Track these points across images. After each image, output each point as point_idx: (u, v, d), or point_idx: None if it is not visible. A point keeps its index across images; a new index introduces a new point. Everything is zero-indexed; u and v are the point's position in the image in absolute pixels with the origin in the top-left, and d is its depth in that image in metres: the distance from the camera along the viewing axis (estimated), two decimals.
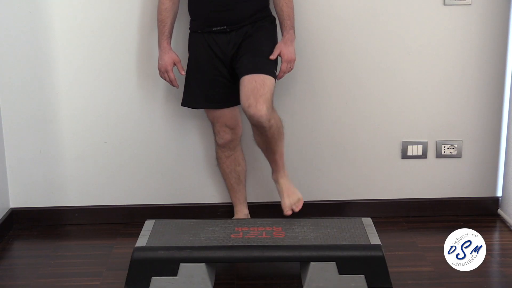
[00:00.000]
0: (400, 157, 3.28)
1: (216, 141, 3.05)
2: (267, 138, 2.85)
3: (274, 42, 2.89)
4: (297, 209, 2.95)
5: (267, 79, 2.77)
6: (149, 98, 3.19)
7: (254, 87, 2.74)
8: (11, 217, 3.26)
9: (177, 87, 2.97)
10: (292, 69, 2.88)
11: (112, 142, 3.23)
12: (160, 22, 2.92)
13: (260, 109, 2.71)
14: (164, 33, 2.92)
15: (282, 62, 2.85)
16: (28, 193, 3.27)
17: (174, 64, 2.93)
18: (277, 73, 2.85)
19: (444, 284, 2.69)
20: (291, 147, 3.20)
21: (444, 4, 3.11)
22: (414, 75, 3.19)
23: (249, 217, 3.18)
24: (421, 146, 3.26)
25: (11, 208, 3.29)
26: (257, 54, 2.82)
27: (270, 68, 2.81)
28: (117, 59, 3.14)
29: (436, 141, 3.27)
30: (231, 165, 3.08)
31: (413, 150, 3.27)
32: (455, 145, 3.27)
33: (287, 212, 2.93)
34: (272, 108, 2.79)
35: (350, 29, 3.13)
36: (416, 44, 3.16)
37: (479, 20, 3.13)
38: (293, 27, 2.89)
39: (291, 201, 2.95)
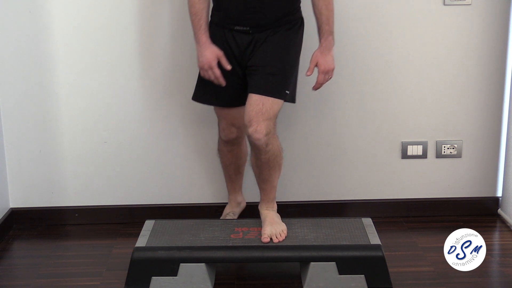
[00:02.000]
0: (400, 157, 3.28)
1: (220, 136, 2.97)
2: (261, 163, 2.74)
3: (296, 53, 2.73)
4: (278, 240, 2.71)
5: (275, 104, 2.65)
6: (149, 98, 3.18)
7: (260, 109, 2.63)
8: (11, 217, 3.26)
9: (224, 84, 2.73)
10: (330, 78, 2.73)
11: (112, 142, 3.23)
12: (194, 16, 2.69)
13: (260, 131, 2.62)
14: (201, 27, 2.69)
15: (318, 73, 2.71)
16: (28, 193, 3.27)
17: (218, 59, 2.71)
18: (287, 93, 2.68)
19: (444, 284, 2.69)
20: (291, 147, 3.20)
21: (444, 4, 3.11)
22: (414, 75, 3.19)
23: (243, 204, 3.12)
24: (421, 146, 3.26)
25: (11, 208, 3.29)
26: (273, 70, 2.65)
27: (282, 89, 2.67)
28: (117, 59, 3.14)
29: (436, 141, 3.27)
30: (232, 158, 3.00)
31: (413, 150, 3.27)
32: (455, 145, 3.27)
33: (264, 239, 2.71)
34: (274, 134, 2.70)
35: (349, 29, 3.13)
36: (416, 44, 3.16)
37: (479, 20, 3.13)
38: (332, 32, 2.69)
39: (273, 230, 2.74)
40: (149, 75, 3.15)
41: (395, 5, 3.11)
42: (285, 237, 2.74)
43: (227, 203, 3.25)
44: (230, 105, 2.85)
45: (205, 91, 2.83)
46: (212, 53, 2.69)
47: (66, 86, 3.16)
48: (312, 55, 2.73)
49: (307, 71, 2.72)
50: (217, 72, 2.69)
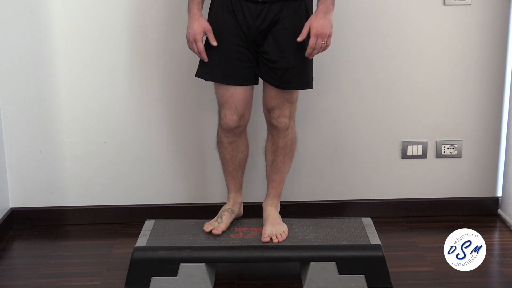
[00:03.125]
0: (400, 157, 3.28)
1: (220, 125, 2.77)
2: (278, 147, 2.75)
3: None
4: (278, 240, 2.71)
5: (295, 93, 2.70)
6: (149, 98, 3.18)
7: (282, 100, 2.67)
8: (11, 217, 3.26)
9: (206, 60, 2.65)
10: (326, 45, 2.55)
11: (112, 142, 3.23)
12: None
13: (283, 115, 2.68)
14: None
15: (310, 36, 2.53)
16: (28, 193, 3.27)
17: (205, 34, 2.62)
18: (311, 80, 2.68)
19: (444, 284, 2.69)
20: None
21: (444, 4, 3.11)
22: (414, 75, 3.19)
23: (241, 211, 2.97)
24: (421, 146, 3.27)
25: (11, 208, 3.29)
26: (291, 63, 2.60)
27: (303, 80, 2.66)
28: (117, 59, 3.14)
29: (436, 141, 3.27)
30: (233, 152, 2.82)
31: (413, 150, 3.27)
32: (455, 145, 3.27)
33: (264, 238, 2.70)
34: (294, 118, 2.74)
35: (350, 29, 3.13)
36: (416, 44, 3.16)
37: (479, 20, 3.13)
38: None
39: (274, 230, 2.73)
40: (149, 75, 3.15)
41: (395, 5, 3.11)
42: (286, 238, 2.74)
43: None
44: (237, 82, 2.67)
45: (210, 66, 2.66)
46: (199, 26, 2.60)
47: (66, 86, 3.16)
48: (306, 21, 2.58)
49: (299, 37, 2.56)
50: (201, 46, 2.61)
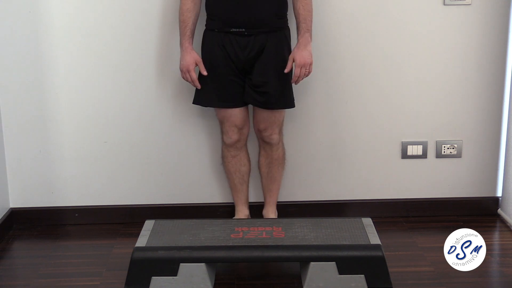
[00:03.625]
0: (400, 157, 3.28)
1: (223, 141, 3.05)
2: (272, 160, 3.04)
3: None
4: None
5: (282, 114, 3.00)
6: (149, 98, 3.18)
7: (273, 120, 2.97)
8: (11, 217, 3.26)
9: (199, 88, 2.93)
10: (309, 72, 2.87)
11: (112, 142, 3.23)
12: (181, 23, 2.90)
13: (274, 133, 2.99)
14: (186, 34, 2.90)
15: (295, 67, 2.84)
16: (28, 193, 3.27)
17: (196, 65, 2.91)
18: (292, 99, 2.95)
19: (444, 284, 2.69)
20: (291, 147, 3.20)
21: (444, 4, 3.11)
22: (414, 75, 3.19)
23: (250, 217, 3.18)
24: (421, 146, 3.27)
25: (11, 208, 3.29)
26: (277, 85, 2.88)
27: (288, 100, 2.95)
28: (117, 59, 3.14)
29: (436, 141, 3.27)
30: (236, 165, 3.09)
31: (413, 150, 3.27)
32: (455, 145, 3.27)
33: None
34: (282, 133, 3.05)
35: (349, 29, 3.13)
36: (416, 44, 3.16)
37: (479, 20, 3.13)
38: (308, 30, 2.87)
39: None
40: (149, 75, 3.15)
41: (395, 5, 3.11)
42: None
43: (227, 203, 3.26)
44: (233, 105, 2.96)
45: (206, 94, 2.95)
46: (191, 58, 2.89)
47: (66, 86, 3.16)
48: (291, 53, 2.87)
49: (286, 68, 2.85)
50: (194, 75, 2.90)
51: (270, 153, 3.05)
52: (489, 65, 3.18)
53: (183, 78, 2.94)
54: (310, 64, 2.86)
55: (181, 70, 2.91)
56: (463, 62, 3.18)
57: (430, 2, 3.11)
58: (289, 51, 2.91)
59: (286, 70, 2.85)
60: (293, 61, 2.84)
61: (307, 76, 2.88)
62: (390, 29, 3.14)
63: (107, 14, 3.09)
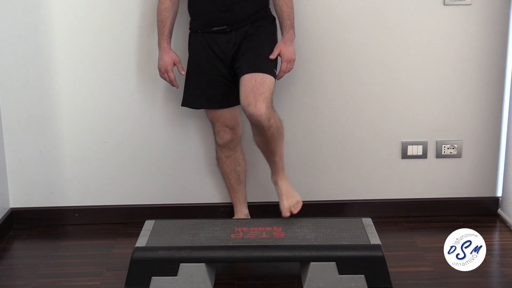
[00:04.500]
0: (400, 157, 3.28)
1: (216, 141, 3.05)
2: (267, 138, 2.84)
3: (274, 42, 2.88)
4: (295, 211, 2.92)
5: (267, 78, 2.77)
6: (149, 98, 3.19)
7: (254, 86, 2.74)
8: (11, 217, 3.26)
9: (177, 87, 2.96)
10: (292, 68, 2.88)
11: (112, 142, 3.23)
12: (160, 22, 2.91)
13: (260, 108, 2.72)
14: (164, 33, 2.91)
15: (282, 62, 2.85)
16: (28, 193, 3.27)
17: (174, 64, 2.92)
18: (277, 73, 2.85)
19: (444, 284, 2.69)
20: (291, 147, 3.20)
21: (444, 4, 3.11)
22: (414, 75, 3.19)
23: (249, 217, 3.18)
24: (421, 146, 3.26)
25: (11, 208, 3.29)
26: (256, 53, 2.82)
27: (269, 67, 2.81)
28: (117, 59, 3.14)
29: (436, 141, 3.27)
30: (231, 165, 3.08)
31: (413, 150, 3.27)
32: (455, 145, 3.27)
33: (285, 214, 2.90)
34: (271, 107, 2.80)
35: (350, 29, 3.13)
36: (416, 44, 3.16)
37: (479, 20, 3.13)
38: (293, 26, 2.88)
39: (290, 203, 2.92)
40: (149, 75, 3.15)
41: (395, 5, 3.11)
42: (300, 208, 2.93)
43: (227, 203, 3.26)
44: (221, 106, 2.95)
45: (194, 95, 2.96)
46: (169, 58, 2.91)
47: (66, 86, 3.16)
48: (276, 45, 2.84)
49: (271, 55, 2.81)
50: (172, 75, 2.91)
51: (262, 131, 2.83)
52: (489, 65, 3.18)
53: (162, 77, 2.95)
54: (294, 61, 2.86)
55: (159, 70, 2.93)
56: (463, 62, 3.18)
57: (430, 2, 3.11)
58: (270, 25, 2.90)
59: (272, 56, 2.81)
60: (279, 54, 2.82)
61: (289, 72, 2.88)
62: (390, 29, 3.14)
63: (109, 14, 3.09)
